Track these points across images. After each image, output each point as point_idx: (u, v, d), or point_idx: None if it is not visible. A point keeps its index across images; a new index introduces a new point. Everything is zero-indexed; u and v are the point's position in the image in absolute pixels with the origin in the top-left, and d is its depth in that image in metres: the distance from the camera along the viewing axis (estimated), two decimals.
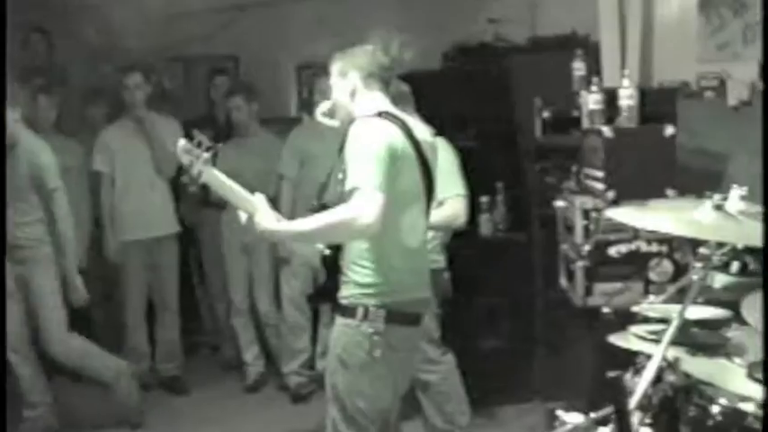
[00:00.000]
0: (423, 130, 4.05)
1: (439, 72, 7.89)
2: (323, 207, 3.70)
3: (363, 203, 3.47)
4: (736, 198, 3.37)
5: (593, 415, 2.99)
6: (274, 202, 6.82)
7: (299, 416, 6.77)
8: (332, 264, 3.91)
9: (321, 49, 7.05)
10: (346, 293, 3.82)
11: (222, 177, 3.83)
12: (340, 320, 3.85)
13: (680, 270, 4.77)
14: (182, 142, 3.75)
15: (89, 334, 6.71)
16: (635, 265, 4.99)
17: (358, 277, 3.79)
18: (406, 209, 3.79)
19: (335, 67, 4.05)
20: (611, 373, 2.79)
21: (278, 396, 7.32)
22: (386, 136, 3.67)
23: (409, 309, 3.85)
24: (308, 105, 7.45)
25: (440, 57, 8.17)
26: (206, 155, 3.73)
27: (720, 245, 3.56)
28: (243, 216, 3.83)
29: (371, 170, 3.54)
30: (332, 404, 3.89)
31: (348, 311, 3.80)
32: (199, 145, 3.73)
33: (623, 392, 2.80)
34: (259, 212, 3.76)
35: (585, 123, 5.62)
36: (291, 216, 6.64)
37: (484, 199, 6.66)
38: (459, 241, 5.65)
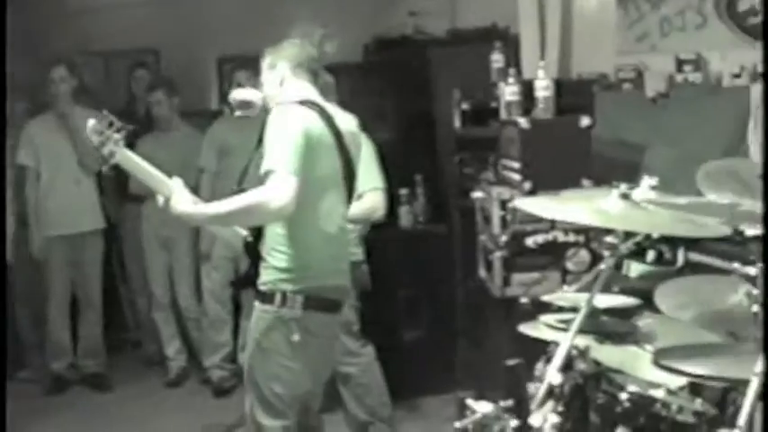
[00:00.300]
0: (346, 120, 4.09)
1: (359, 64, 7.88)
2: (242, 192, 3.71)
3: (277, 186, 3.49)
4: (645, 188, 3.41)
5: (502, 403, 3.01)
6: (194, 195, 6.86)
7: (222, 409, 6.72)
8: (253, 250, 3.92)
9: (242, 42, 7.05)
10: (265, 279, 3.83)
11: (137, 159, 3.81)
12: (259, 306, 3.86)
13: (597, 259, 4.80)
14: (91, 122, 3.70)
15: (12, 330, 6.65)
16: (552, 255, 5.04)
17: (276, 262, 3.80)
18: (324, 195, 3.81)
19: (265, 62, 4.07)
20: (510, 362, 2.81)
21: (200, 390, 7.29)
22: (303, 122, 3.69)
23: (328, 295, 3.87)
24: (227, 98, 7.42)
25: (361, 49, 8.17)
26: (117, 135, 3.69)
27: (629, 234, 3.59)
28: (160, 199, 3.81)
29: (286, 154, 3.56)
30: (249, 389, 3.91)
31: (267, 297, 3.80)
32: (110, 125, 3.68)
33: (521, 381, 2.82)
34: (175, 195, 3.74)
35: (503, 115, 5.66)
36: None
37: (403, 191, 6.66)
38: (379, 233, 5.65)
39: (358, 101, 5.40)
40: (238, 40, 7.80)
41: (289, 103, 3.80)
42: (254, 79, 6.64)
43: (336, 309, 3.96)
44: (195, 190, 6.79)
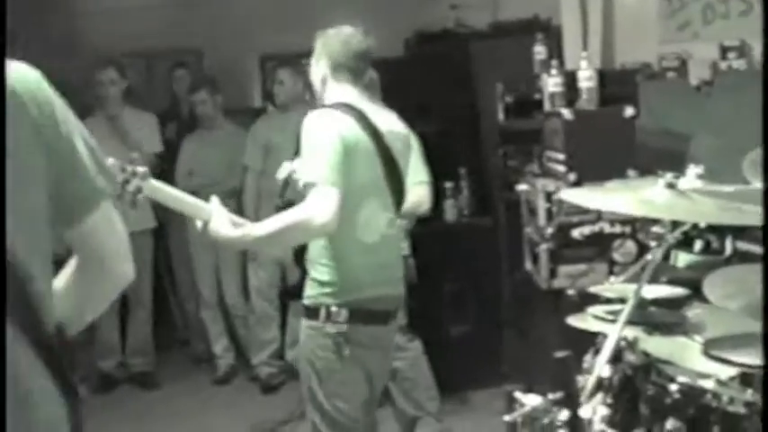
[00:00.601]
0: (388, 120, 3.98)
1: (401, 59, 7.88)
2: (288, 204, 3.67)
3: (318, 201, 3.40)
4: (692, 177, 3.38)
5: (551, 396, 2.99)
6: (239, 194, 6.89)
7: (270, 406, 6.77)
8: (302, 259, 3.82)
9: (285, 39, 7.08)
10: (309, 293, 3.72)
11: (167, 188, 3.55)
12: (305, 323, 3.75)
13: (644, 250, 4.77)
14: (110, 161, 3.55)
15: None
16: (599, 246, 5.01)
17: (317, 275, 3.70)
18: (363, 204, 3.69)
19: (315, 49, 3.99)
20: (559, 354, 2.79)
21: (248, 387, 7.33)
22: (337, 128, 3.59)
23: (373, 306, 3.73)
24: (271, 96, 7.44)
25: (402, 43, 8.17)
26: (141, 169, 3.37)
27: (676, 224, 3.57)
28: (198, 224, 3.58)
29: (324, 165, 3.47)
30: (311, 409, 3.80)
31: (311, 312, 3.70)
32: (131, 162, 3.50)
33: (571, 373, 2.80)
34: (214, 219, 3.50)
35: (547, 106, 5.63)
36: (257, 206, 6.74)
37: (448, 185, 6.65)
38: (424, 227, 5.64)
39: (400, 95, 5.38)
40: (280, 37, 7.83)
41: (322, 109, 3.72)
42: (297, 77, 6.71)
43: (385, 319, 3.82)
44: (240, 188, 6.90)
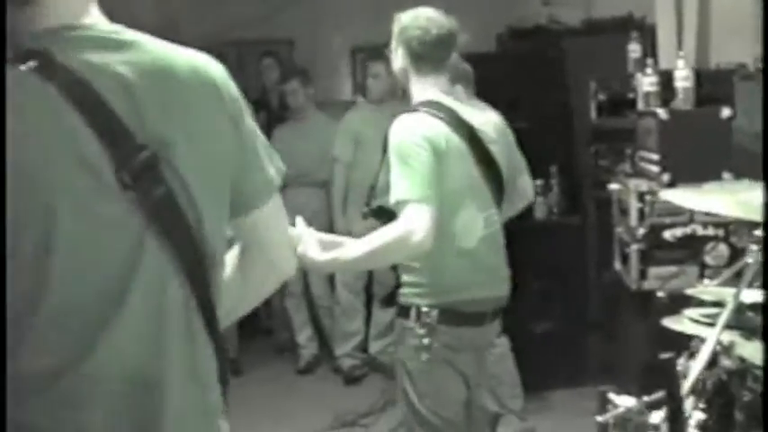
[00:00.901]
0: (482, 115, 3.88)
1: (493, 54, 7.85)
2: (377, 211, 3.65)
3: (412, 218, 3.30)
4: None
5: (645, 399, 2.96)
6: (328, 185, 6.92)
7: (352, 397, 6.81)
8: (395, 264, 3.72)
9: (376, 31, 7.05)
10: (403, 291, 3.67)
11: None
12: (398, 322, 3.70)
13: (736, 254, 4.71)
14: None
15: None
16: (690, 248, 4.95)
17: (410, 277, 3.64)
18: (459, 209, 3.58)
19: (392, 36, 3.80)
20: (664, 356, 2.75)
21: (331, 378, 7.37)
22: (426, 137, 3.47)
23: (466, 308, 3.64)
24: (362, 88, 7.45)
25: (493, 38, 8.14)
26: None
27: None
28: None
29: (416, 179, 3.37)
30: (403, 408, 3.76)
31: (403, 311, 3.65)
32: None
33: (675, 376, 2.76)
34: (303, 244, 3.24)
35: (641, 106, 5.57)
36: (344, 199, 6.77)
37: (538, 182, 6.59)
38: (513, 224, 5.61)
39: (491, 91, 5.37)
40: (372, 28, 7.81)
41: (409, 113, 3.60)
42: (389, 70, 6.69)
43: (479, 321, 3.71)
44: (329, 180, 6.92)
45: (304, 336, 7.64)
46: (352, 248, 3.36)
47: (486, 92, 5.27)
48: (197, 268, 1.82)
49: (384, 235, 3.35)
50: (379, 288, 6.97)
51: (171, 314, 1.79)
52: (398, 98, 6.52)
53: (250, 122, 1.97)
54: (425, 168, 3.40)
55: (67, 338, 1.71)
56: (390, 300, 3.78)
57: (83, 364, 1.71)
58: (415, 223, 3.30)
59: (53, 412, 1.70)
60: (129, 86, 1.74)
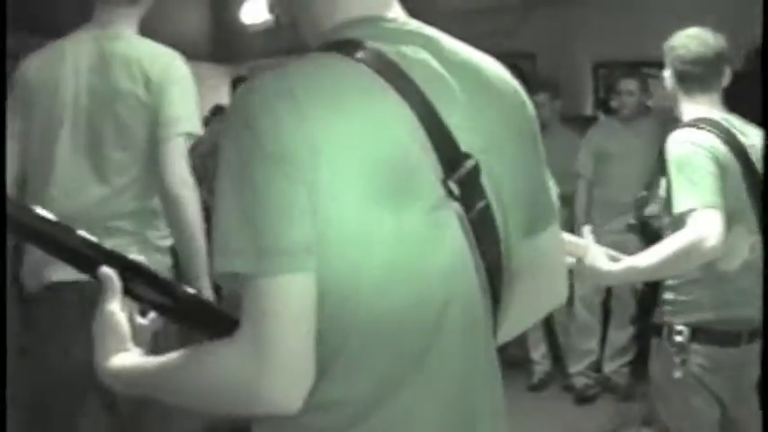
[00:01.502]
0: (752, 133, 3.74)
1: (742, 72, 7.60)
2: (643, 224, 3.60)
3: (701, 223, 3.24)
4: None
5: None
6: (570, 201, 6.86)
7: (582, 417, 6.73)
8: (650, 298, 3.72)
9: (620, 47, 6.96)
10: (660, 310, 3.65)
11: None
12: (653, 339, 3.68)
13: None
14: None
15: None
16: None
17: (665, 294, 3.61)
18: (727, 230, 3.39)
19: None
20: None
21: (562, 396, 7.28)
22: (708, 147, 3.44)
23: (721, 327, 3.54)
24: (604, 104, 7.36)
25: (743, 57, 7.90)
26: None
27: None
28: (570, 260, 3.25)
29: (700, 188, 3.32)
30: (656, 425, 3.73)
31: (656, 329, 3.63)
32: None
33: None
34: (590, 254, 3.24)
35: None
36: (587, 215, 6.71)
37: None
38: None
39: (740, 110, 5.21)
40: (615, 44, 7.72)
41: (685, 128, 3.56)
42: (643, 86, 6.56)
43: (735, 341, 3.56)
44: (571, 195, 6.87)
45: (538, 352, 7.55)
46: (644, 257, 3.34)
47: (734, 110, 5.12)
48: (498, 288, 1.69)
49: (675, 242, 3.29)
50: (617, 304, 6.88)
51: (479, 337, 1.66)
52: (645, 115, 6.44)
53: (540, 141, 1.86)
54: (711, 176, 3.36)
55: (387, 358, 1.56)
56: (640, 319, 3.74)
57: (402, 390, 1.56)
58: (706, 229, 3.23)
59: None
60: (447, 85, 1.65)
